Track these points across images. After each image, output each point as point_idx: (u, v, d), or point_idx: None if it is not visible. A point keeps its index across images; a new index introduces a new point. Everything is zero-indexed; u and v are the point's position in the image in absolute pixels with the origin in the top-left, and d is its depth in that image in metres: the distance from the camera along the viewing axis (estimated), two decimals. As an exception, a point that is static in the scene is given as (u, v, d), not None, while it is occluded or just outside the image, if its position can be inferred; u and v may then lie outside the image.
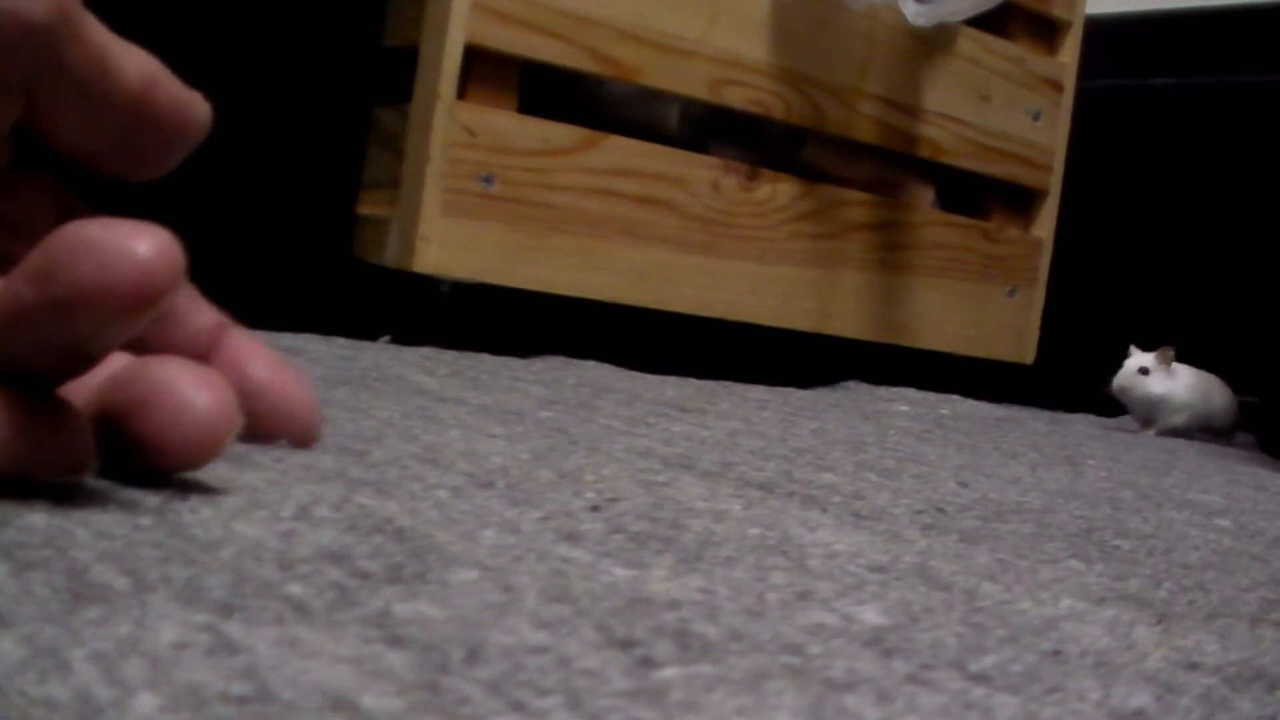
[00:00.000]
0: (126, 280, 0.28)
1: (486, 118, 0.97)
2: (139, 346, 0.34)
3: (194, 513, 0.32)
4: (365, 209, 1.00)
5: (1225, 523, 0.59)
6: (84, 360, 0.30)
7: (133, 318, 0.28)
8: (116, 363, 0.34)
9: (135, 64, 0.34)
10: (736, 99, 1.10)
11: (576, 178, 1.02)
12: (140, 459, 0.33)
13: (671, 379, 0.97)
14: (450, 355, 0.90)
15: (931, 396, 1.15)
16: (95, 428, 0.32)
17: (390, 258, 0.97)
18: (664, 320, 1.09)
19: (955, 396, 1.16)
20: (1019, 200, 1.34)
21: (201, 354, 0.37)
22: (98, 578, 0.25)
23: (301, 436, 0.40)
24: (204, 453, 0.33)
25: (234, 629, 0.23)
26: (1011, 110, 1.30)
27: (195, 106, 0.36)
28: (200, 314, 0.38)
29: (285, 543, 0.30)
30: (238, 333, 0.38)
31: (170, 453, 0.32)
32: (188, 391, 0.32)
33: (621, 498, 0.42)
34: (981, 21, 1.24)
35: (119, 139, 0.34)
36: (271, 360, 0.39)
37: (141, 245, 0.28)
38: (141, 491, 0.33)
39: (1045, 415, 1.19)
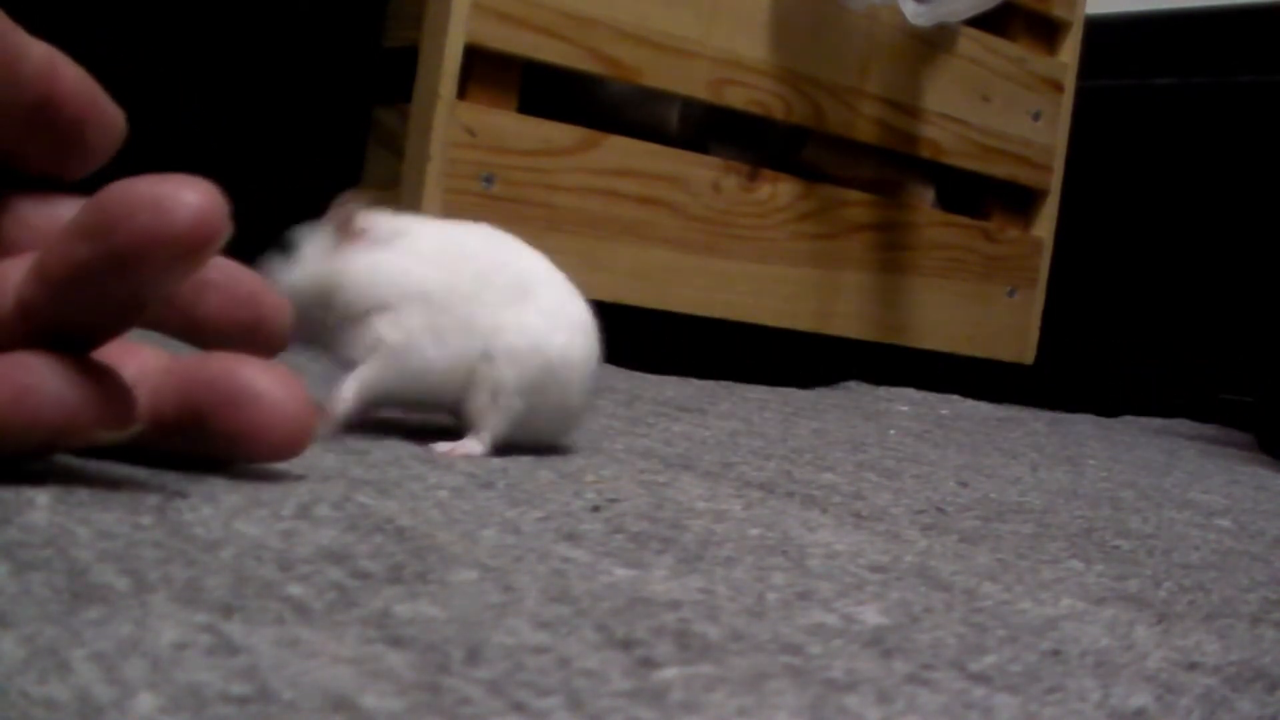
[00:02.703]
0: (184, 226, 0.29)
1: (486, 118, 0.97)
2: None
3: (194, 512, 0.32)
4: (365, 209, 1.00)
5: (1226, 523, 0.59)
6: (137, 312, 0.31)
7: (191, 262, 0.30)
8: (148, 355, 0.35)
9: (38, 49, 0.34)
10: (737, 99, 1.09)
11: (577, 178, 1.02)
12: (230, 451, 0.35)
13: (672, 379, 0.97)
14: (450, 355, 0.89)
15: (931, 396, 1.15)
16: (174, 417, 0.34)
17: (390, 258, 0.96)
18: (664, 320, 1.09)
19: (955, 396, 1.16)
20: (1019, 200, 1.34)
21: None
22: (98, 578, 0.25)
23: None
24: (297, 447, 0.35)
25: (234, 629, 0.23)
26: (1011, 110, 1.30)
27: (104, 100, 0.35)
28: None
29: (286, 542, 0.30)
30: None
31: (266, 449, 0.35)
32: (277, 393, 0.35)
33: (622, 498, 0.42)
34: (981, 21, 1.24)
35: (29, 126, 0.35)
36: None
37: (192, 194, 0.29)
38: (142, 491, 0.33)
39: (1045, 415, 1.19)
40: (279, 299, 0.39)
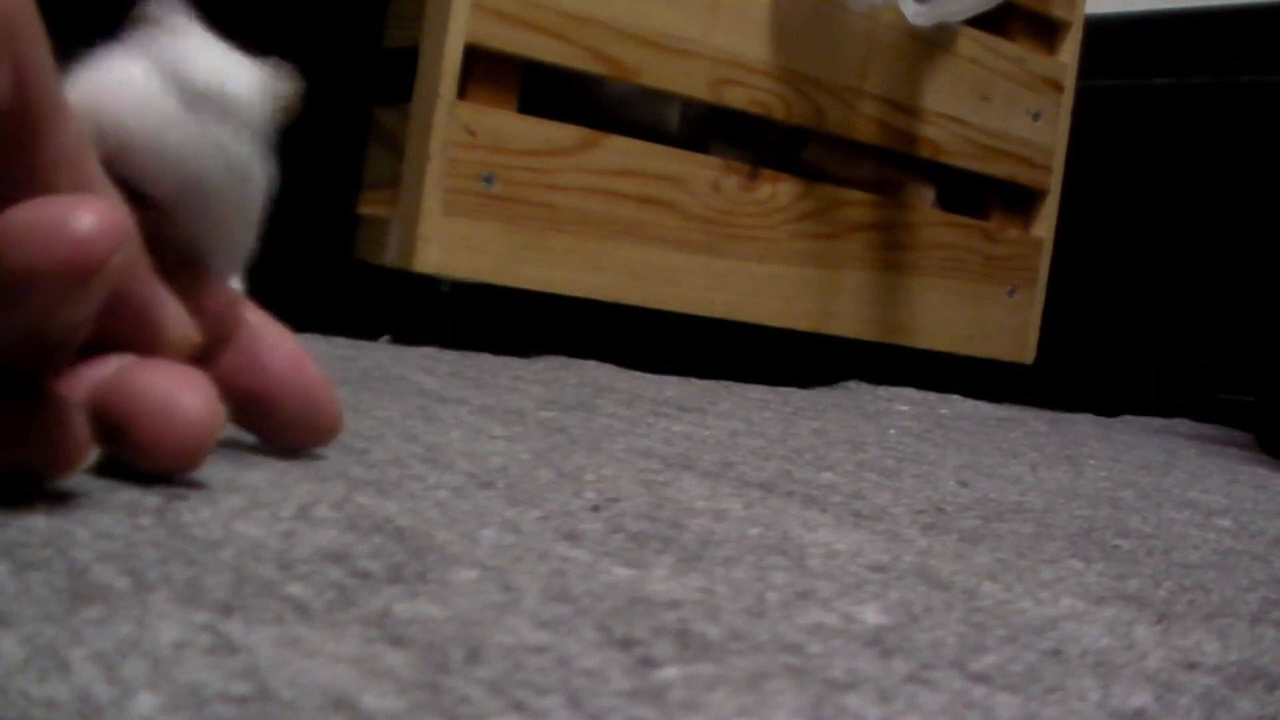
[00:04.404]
0: (65, 255, 0.27)
1: (486, 118, 0.97)
2: (148, 340, 0.34)
3: (194, 513, 0.32)
4: (366, 209, 1.00)
5: (1225, 522, 0.59)
6: (52, 346, 0.30)
7: (80, 292, 0.28)
8: (112, 362, 0.34)
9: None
10: (737, 99, 1.09)
11: (577, 178, 1.02)
12: (136, 462, 0.34)
13: (672, 379, 0.97)
14: (451, 355, 0.90)
15: (931, 396, 1.15)
16: (95, 431, 0.32)
17: (391, 258, 0.96)
18: (664, 320, 1.09)
19: (955, 396, 1.16)
20: (1019, 200, 1.34)
21: (220, 338, 0.37)
22: (98, 578, 0.25)
23: (319, 435, 0.40)
24: (190, 457, 0.33)
25: (234, 629, 0.23)
26: (1011, 110, 1.30)
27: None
28: (211, 296, 0.37)
29: (285, 543, 0.30)
30: (253, 314, 0.38)
31: (159, 458, 0.33)
32: (172, 397, 0.33)
33: (622, 497, 0.42)
34: (981, 21, 1.24)
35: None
36: (288, 348, 0.39)
37: (77, 218, 0.28)
38: (142, 491, 0.33)
39: (1045, 415, 1.19)
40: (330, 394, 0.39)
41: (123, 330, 0.33)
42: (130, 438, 0.33)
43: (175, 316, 0.34)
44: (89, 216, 0.28)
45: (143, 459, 0.33)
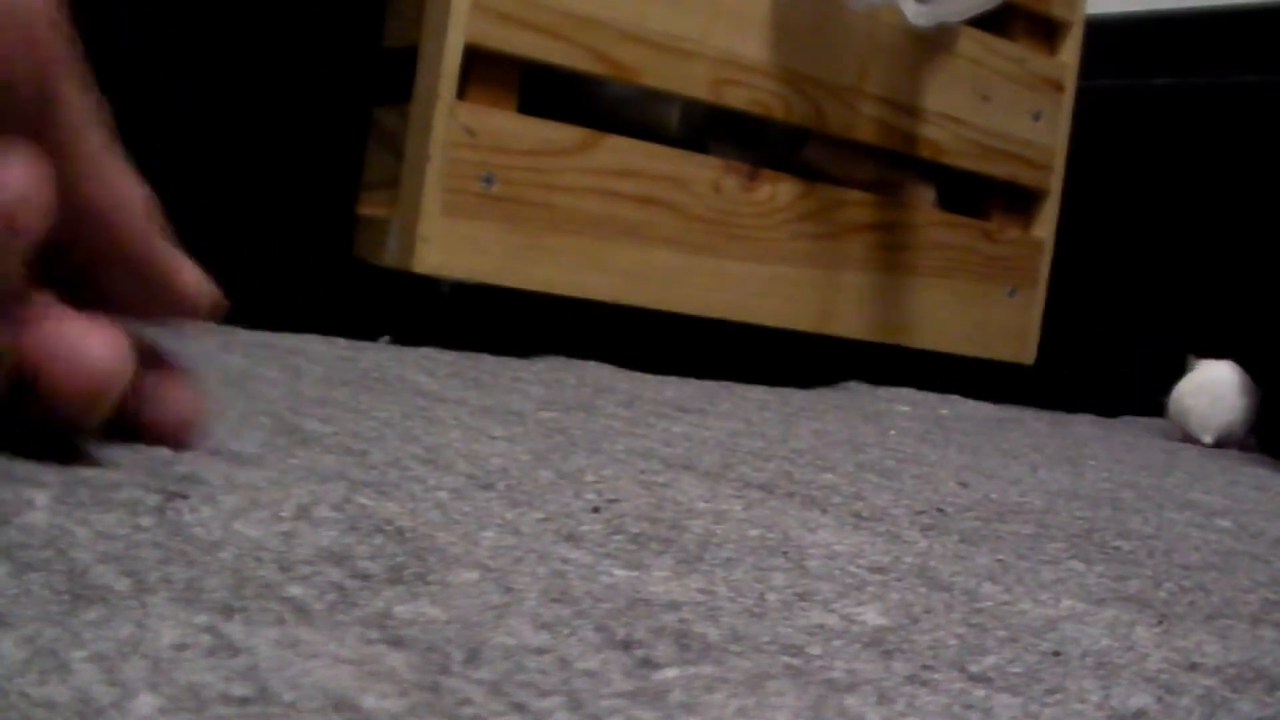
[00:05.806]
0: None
1: (486, 118, 0.97)
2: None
3: (194, 513, 0.32)
4: (365, 209, 1.00)
5: (1226, 523, 0.59)
6: None
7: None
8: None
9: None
10: (737, 99, 1.09)
11: (577, 178, 1.02)
12: (46, 412, 0.33)
13: (672, 379, 0.97)
14: (450, 356, 0.90)
15: (932, 397, 1.15)
16: (10, 383, 0.32)
17: (390, 258, 0.96)
18: (664, 320, 1.09)
19: (955, 396, 1.16)
20: (1019, 200, 1.34)
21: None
22: (98, 579, 0.25)
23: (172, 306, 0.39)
24: (97, 402, 0.33)
25: (235, 630, 0.23)
26: (1012, 110, 1.30)
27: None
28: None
29: (286, 544, 0.30)
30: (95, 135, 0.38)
31: (65, 403, 0.33)
32: (81, 342, 0.33)
33: (622, 498, 0.42)
34: (982, 21, 1.24)
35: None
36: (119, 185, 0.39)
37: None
38: (142, 492, 0.33)
39: (1046, 415, 1.19)
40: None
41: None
42: (39, 383, 0.33)
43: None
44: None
45: (49, 405, 0.33)
